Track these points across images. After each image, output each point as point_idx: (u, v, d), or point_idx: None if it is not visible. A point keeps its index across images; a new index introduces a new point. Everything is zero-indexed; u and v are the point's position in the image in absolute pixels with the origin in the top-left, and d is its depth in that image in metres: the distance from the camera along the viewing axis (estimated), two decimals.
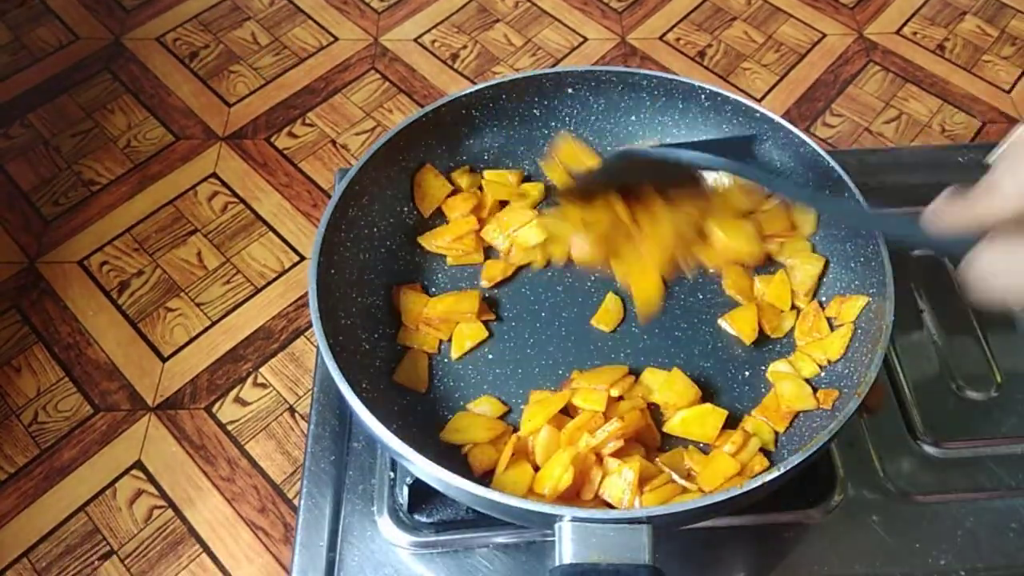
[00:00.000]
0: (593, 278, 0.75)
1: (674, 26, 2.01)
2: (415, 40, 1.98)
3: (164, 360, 1.49)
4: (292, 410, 1.44)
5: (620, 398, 0.66)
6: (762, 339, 0.71)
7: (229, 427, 1.42)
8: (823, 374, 0.69)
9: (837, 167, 0.70)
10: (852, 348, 0.68)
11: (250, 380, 1.47)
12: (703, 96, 0.78)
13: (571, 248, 0.74)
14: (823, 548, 0.66)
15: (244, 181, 1.72)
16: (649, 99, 0.81)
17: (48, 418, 1.42)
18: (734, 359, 0.71)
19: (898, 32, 2.00)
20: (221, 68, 1.92)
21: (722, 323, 0.72)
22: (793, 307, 0.73)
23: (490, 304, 0.74)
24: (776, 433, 0.66)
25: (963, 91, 1.88)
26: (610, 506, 0.60)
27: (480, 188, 0.80)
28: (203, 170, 1.74)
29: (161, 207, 1.68)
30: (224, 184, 1.72)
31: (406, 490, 0.69)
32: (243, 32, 1.99)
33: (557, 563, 0.52)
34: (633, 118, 0.82)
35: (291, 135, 1.80)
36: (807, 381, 0.68)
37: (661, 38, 1.99)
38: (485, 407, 0.67)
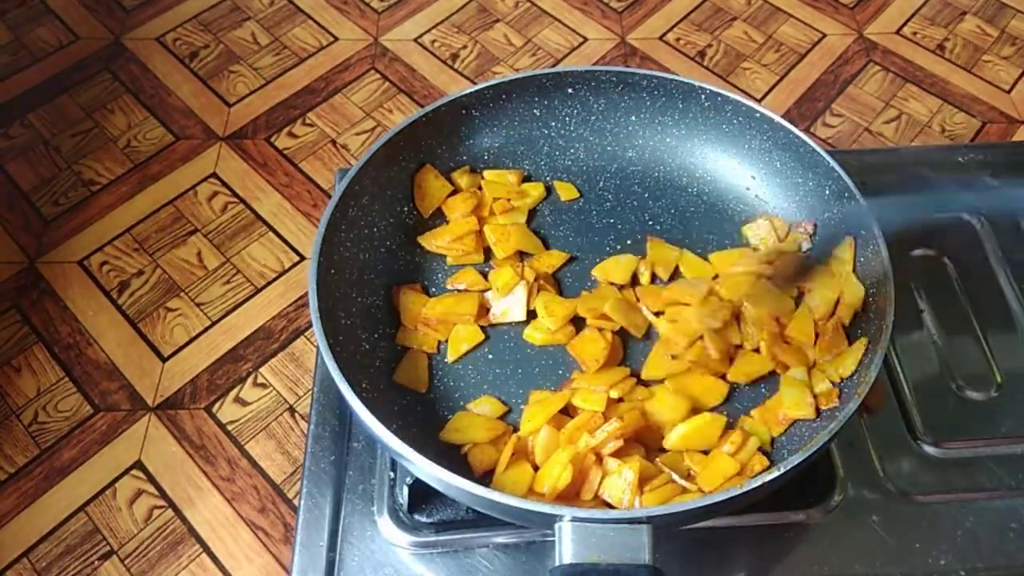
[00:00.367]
0: (592, 279, 0.75)
1: (674, 26, 2.01)
2: (415, 40, 1.98)
3: (164, 360, 1.49)
4: (292, 410, 1.44)
5: (620, 400, 0.66)
6: None
7: (229, 427, 1.42)
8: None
9: (837, 167, 0.71)
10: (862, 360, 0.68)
11: (250, 380, 1.47)
12: (703, 96, 0.78)
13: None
14: (823, 548, 0.66)
15: (244, 181, 1.72)
16: (649, 99, 0.81)
17: (48, 418, 1.42)
18: None
19: (898, 32, 2.00)
20: (221, 68, 1.92)
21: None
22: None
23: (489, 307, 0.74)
24: (772, 436, 0.66)
25: (963, 91, 1.88)
26: (610, 506, 0.60)
27: (480, 188, 0.80)
28: (203, 170, 1.74)
29: (161, 207, 1.68)
30: (224, 184, 1.72)
31: (406, 490, 0.69)
32: (243, 32, 1.99)
33: (557, 563, 0.52)
34: (633, 118, 0.82)
35: (291, 135, 1.80)
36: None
37: (661, 38, 1.99)
38: (485, 407, 0.67)
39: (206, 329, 1.53)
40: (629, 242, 0.78)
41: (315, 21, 2.01)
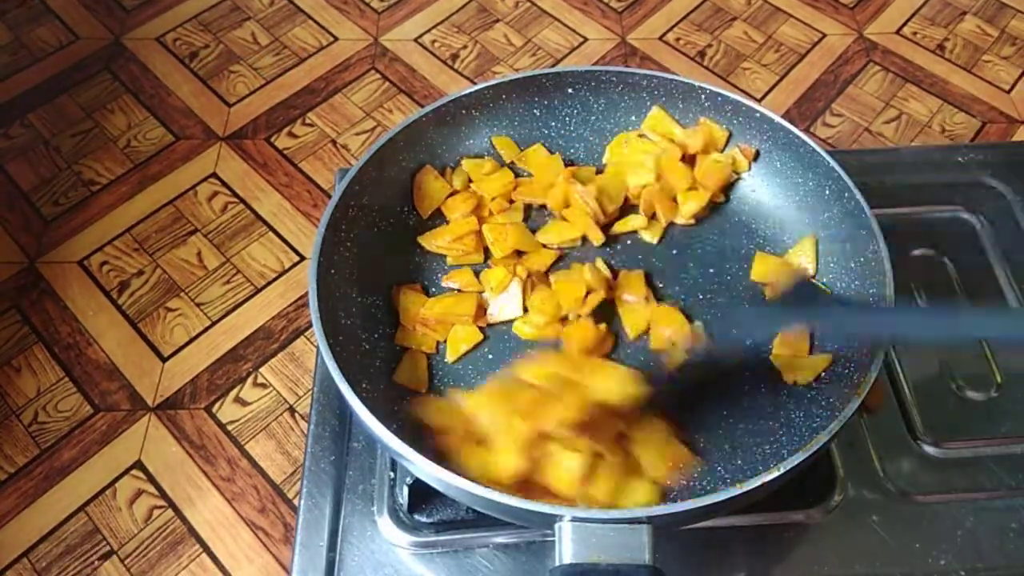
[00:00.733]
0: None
1: (674, 26, 2.01)
2: (415, 40, 1.98)
3: (164, 360, 1.49)
4: (292, 410, 1.44)
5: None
6: None
7: (229, 427, 1.42)
8: (823, 375, 0.68)
9: (837, 167, 0.71)
10: (840, 349, 0.68)
11: (250, 380, 1.47)
12: (703, 96, 0.78)
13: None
14: (823, 548, 0.66)
15: (244, 181, 1.72)
16: (649, 99, 0.81)
17: (48, 418, 1.42)
18: None
19: (898, 32, 2.00)
20: (221, 68, 1.92)
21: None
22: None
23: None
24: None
25: (963, 91, 1.88)
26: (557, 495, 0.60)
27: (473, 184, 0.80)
28: (203, 170, 1.74)
29: (161, 207, 1.68)
30: (224, 184, 1.72)
31: (406, 490, 0.69)
32: (243, 32, 1.99)
33: (557, 563, 0.52)
34: (633, 118, 0.82)
35: (291, 135, 1.80)
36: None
37: (661, 38, 1.99)
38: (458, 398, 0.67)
39: (206, 329, 1.53)
40: (629, 242, 0.78)
41: (315, 21, 2.01)
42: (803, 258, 0.75)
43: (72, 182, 1.71)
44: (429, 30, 1.99)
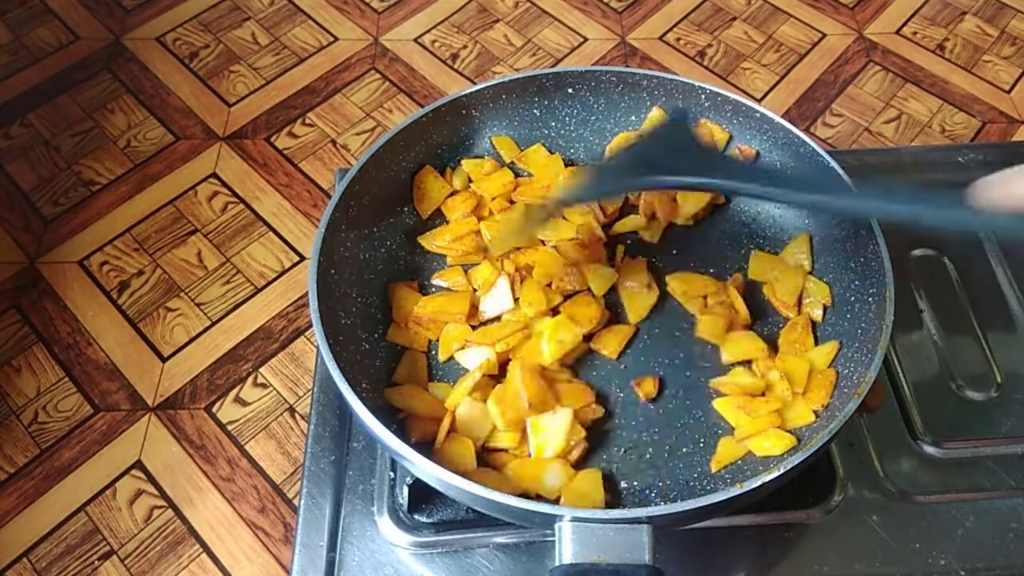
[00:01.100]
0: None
1: (674, 26, 2.01)
2: (415, 40, 1.98)
3: (164, 360, 1.49)
4: (292, 410, 1.44)
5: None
6: None
7: (229, 427, 1.42)
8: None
9: (837, 167, 0.71)
10: (840, 349, 0.68)
11: (250, 380, 1.47)
12: (703, 96, 0.78)
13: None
14: (823, 548, 0.66)
15: (244, 181, 1.72)
16: (649, 99, 0.81)
17: (48, 418, 1.42)
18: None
19: (898, 32, 2.00)
20: (221, 68, 1.92)
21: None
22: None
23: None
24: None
25: (963, 91, 1.88)
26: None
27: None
28: (203, 170, 1.74)
29: (161, 207, 1.68)
30: (224, 184, 1.72)
31: (406, 490, 0.69)
32: (243, 32, 1.99)
33: (557, 563, 0.52)
34: (633, 118, 0.82)
35: (291, 135, 1.80)
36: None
37: (661, 38, 1.98)
38: (439, 392, 0.68)
39: (206, 329, 1.53)
40: (629, 242, 0.78)
41: (315, 21, 2.01)
42: (799, 255, 0.75)
43: (72, 182, 1.71)
44: (429, 30, 1.99)
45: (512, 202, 0.79)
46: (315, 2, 2.05)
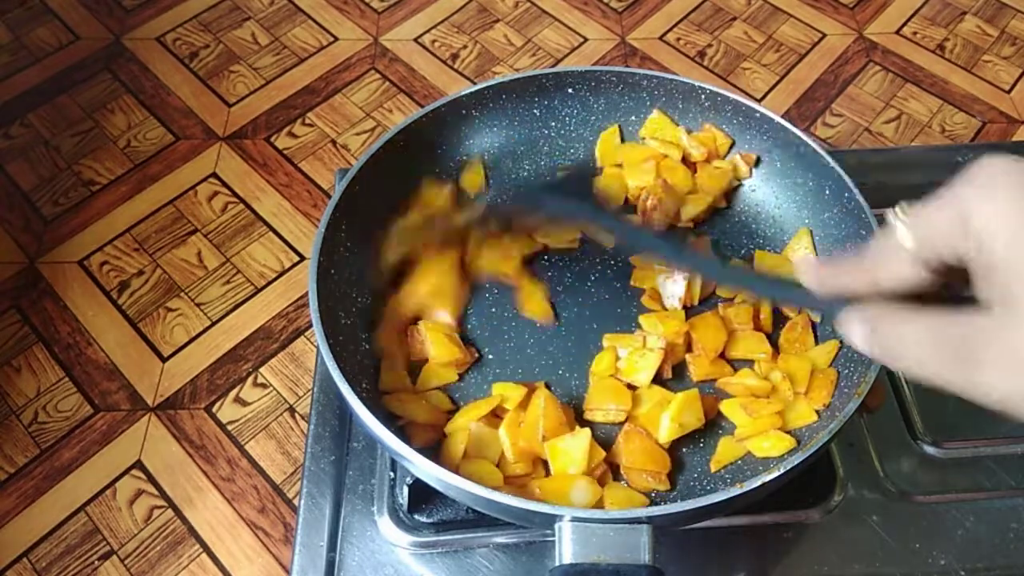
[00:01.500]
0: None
1: (674, 26, 2.01)
2: (415, 40, 1.98)
3: (164, 360, 1.49)
4: (292, 410, 1.44)
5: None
6: None
7: (229, 427, 1.42)
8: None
9: (837, 167, 0.70)
10: (840, 349, 0.68)
11: (250, 380, 1.47)
12: (703, 96, 0.78)
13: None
14: (823, 548, 0.66)
15: (244, 181, 1.72)
16: (649, 99, 0.81)
17: (48, 418, 1.42)
18: None
19: (898, 32, 2.00)
20: (221, 68, 1.92)
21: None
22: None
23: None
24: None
25: (963, 91, 1.88)
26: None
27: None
28: (203, 170, 1.74)
29: (161, 207, 1.68)
30: (224, 184, 1.72)
31: (406, 490, 0.69)
32: (243, 32, 1.99)
33: (557, 563, 0.52)
34: (633, 118, 0.82)
35: (291, 135, 1.80)
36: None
37: (661, 38, 1.99)
38: (435, 399, 0.67)
39: (206, 329, 1.53)
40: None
41: (315, 21, 2.01)
42: (802, 250, 0.75)
43: (72, 182, 1.71)
44: (429, 30, 1.99)
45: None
46: (315, 2, 2.05)
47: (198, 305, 1.56)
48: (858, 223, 0.69)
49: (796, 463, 0.55)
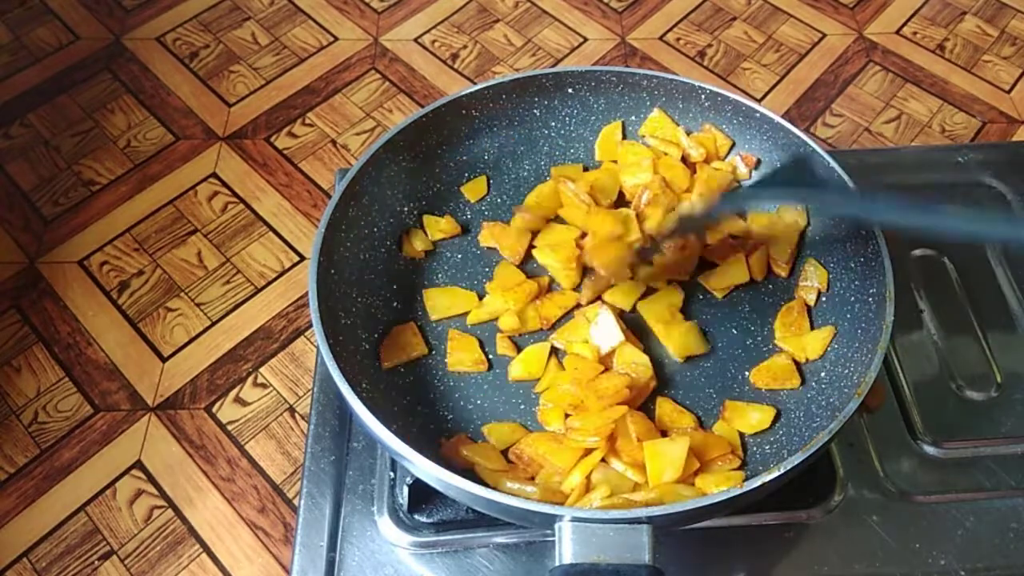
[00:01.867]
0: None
1: (674, 26, 2.01)
2: (415, 40, 1.98)
3: (164, 360, 1.49)
4: (292, 410, 1.44)
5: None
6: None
7: (229, 427, 1.42)
8: (823, 374, 0.68)
9: (837, 167, 0.71)
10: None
11: (250, 380, 1.47)
12: (703, 96, 0.79)
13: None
14: (823, 548, 0.66)
15: (244, 181, 1.72)
16: (649, 99, 0.81)
17: (48, 418, 1.42)
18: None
19: (898, 32, 2.00)
20: (221, 68, 1.92)
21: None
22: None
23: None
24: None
25: (963, 91, 1.88)
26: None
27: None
28: (203, 170, 1.74)
29: (161, 207, 1.68)
30: (224, 184, 1.72)
31: (406, 490, 0.69)
32: (243, 32, 1.99)
33: (557, 563, 0.52)
34: (633, 118, 0.82)
35: (291, 135, 1.80)
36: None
37: (661, 38, 1.98)
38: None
39: (206, 329, 1.53)
40: None
41: (315, 21, 2.01)
42: (792, 212, 0.77)
43: (72, 182, 1.71)
44: (429, 30, 1.99)
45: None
46: (315, 2, 2.05)
47: (198, 305, 1.56)
48: (858, 223, 0.69)
49: (796, 463, 0.55)
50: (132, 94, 1.86)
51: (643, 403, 0.68)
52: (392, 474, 0.70)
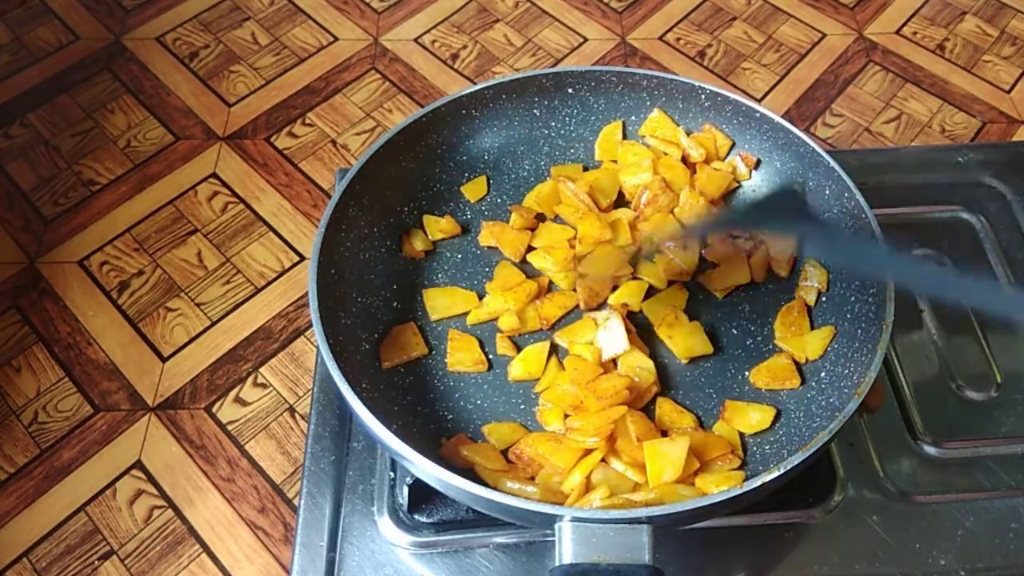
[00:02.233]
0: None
1: (674, 26, 2.01)
2: (415, 40, 1.97)
3: (164, 360, 1.49)
4: (292, 410, 1.44)
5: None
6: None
7: (229, 427, 1.42)
8: (823, 374, 0.68)
9: (837, 167, 0.71)
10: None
11: (250, 380, 1.47)
12: (703, 96, 0.79)
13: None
14: (823, 548, 0.66)
15: (244, 181, 1.72)
16: (649, 99, 0.81)
17: (48, 418, 1.42)
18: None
19: (898, 32, 2.00)
20: (221, 68, 1.92)
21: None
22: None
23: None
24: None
25: (963, 91, 1.88)
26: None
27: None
28: (203, 170, 1.74)
29: (161, 207, 1.68)
30: (224, 184, 1.72)
31: (406, 490, 0.69)
32: (243, 32, 1.99)
33: (557, 563, 0.52)
34: (633, 118, 0.82)
35: (291, 135, 1.80)
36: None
37: (661, 38, 1.98)
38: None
39: (206, 329, 1.53)
40: None
41: (315, 21, 2.01)
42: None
43: (72, 182, 1.71)
44: (429, 30, 1.99)
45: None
46: (315, 2, 2.05)
47: (198, 305, 1.56)
48: (858, 223, 0.69)
49: (796, 463, 0.55)
50: (132, 94, 1.86)
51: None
52: (392, 474, 0.70)
